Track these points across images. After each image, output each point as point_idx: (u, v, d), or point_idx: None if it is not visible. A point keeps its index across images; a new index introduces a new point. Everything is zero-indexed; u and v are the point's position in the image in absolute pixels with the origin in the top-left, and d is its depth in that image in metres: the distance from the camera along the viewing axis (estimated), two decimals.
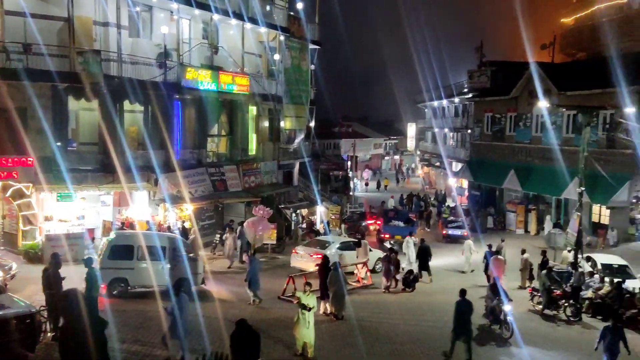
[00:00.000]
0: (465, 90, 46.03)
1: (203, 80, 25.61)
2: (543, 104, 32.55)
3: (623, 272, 20.51)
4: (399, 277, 20.99)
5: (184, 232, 22.63)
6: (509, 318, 15.25)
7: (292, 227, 29.02)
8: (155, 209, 23.80)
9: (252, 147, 31.14)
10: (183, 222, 24.07)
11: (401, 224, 30.40)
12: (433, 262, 23.30)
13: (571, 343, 15.73)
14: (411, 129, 70.80)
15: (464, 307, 13.74)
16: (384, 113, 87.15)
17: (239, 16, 27.82)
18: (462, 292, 14.08)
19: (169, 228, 22.65)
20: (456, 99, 48.73)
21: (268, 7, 30.57)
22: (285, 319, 14.95)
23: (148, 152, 23.17)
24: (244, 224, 24.22)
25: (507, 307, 15.46)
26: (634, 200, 28.83)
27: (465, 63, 51.79)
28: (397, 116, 79.78)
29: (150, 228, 21.76)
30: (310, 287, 13.91)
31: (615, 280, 18.67)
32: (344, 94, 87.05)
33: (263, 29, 29.92)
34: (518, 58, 45.42)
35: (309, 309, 12.86)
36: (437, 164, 53.81)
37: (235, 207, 28.18)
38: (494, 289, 16.20)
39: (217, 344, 12.34)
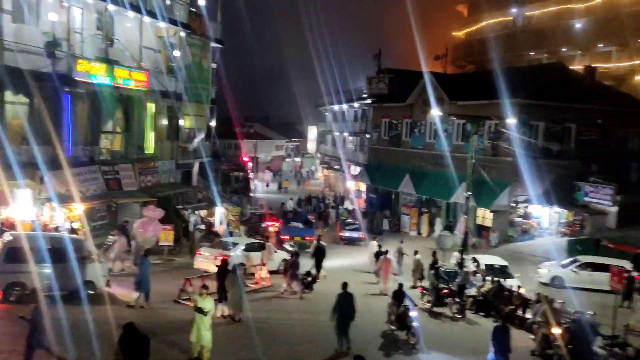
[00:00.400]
0: (365, 95, 47.57)
1: (97, 74, 24.33)
2: (436, 112, 34.52)
3: (503, 271, 22.30)
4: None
5: (73, 234, 21.40)
6: (415, 324, 15.56)
7: (190, 229, 28.40)
8: (40, 209, 22.31)
9: (150, 145, 30.08)
10: (72, 222, 22.75)
11: (300, 225, 30.81)
12: (332, 263, 23.94)
13: (455, 339, 16.84)
14: (312, 132, 71.87)
15: (344, 299, 14.41)
16: (286, 115, 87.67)
17: (136, 9, 26.76)
18: (344, 285, 14.79)
19: (56, 229, 21.33)
20: (356, 104, 50.22)
21: (168, 2, 29.68)
22: (181, 322, 14.68)
23: (33, 147, 21.63)
24: (134, 225, 23.45)
25: (413, 313, 15.88)
26: (514, 205, 31.36)
27: (365, 69, 53.50)
28: (299, 118, 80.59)
29: (35, 229, 20.36)
30: (207, 289, 13.77)
31: (496, 279, 20.27)
32: (247, 95, 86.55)
33: (163, 24, 28.99)
34: (414, 67, 47.72)
35: (205, 313, 12.73)
36: (337, 167, 55.08)
37: (130, 207, 27.10)
38: (398, 296, 16.53)
39: (107, 349, 11.87)
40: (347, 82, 55.35)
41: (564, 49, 51.80)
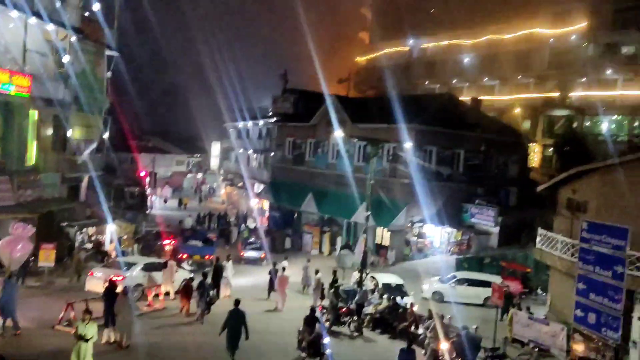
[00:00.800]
0: (270, 114, 47.26)
1: None
2: (338, 133, 34.88)
3: (399, 289, 22.68)
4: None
5: None
6: (328, 351, 15.24)
7: (75, 248, 25.89)
8: None
9: (32, 157, 27.04)
10: None
11: (199, 243, 29.48)
12: (233, 282, 23.01)
13: (353, 357, 16.65)
14: (215, 148, 70.23)
15: (234, 316, 14.24)
16: (188, 130, 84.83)
17: (20, 8, 24.16)
18: (236, 302, 14.60)
19: None
20: (261, 122, 49.76)
21: (58, 4, 27.18)
22: (61, 350, 13.22)
23: None
24: None
25: (326, 340, 15.56)
26: (410, 224, 32.25)
27: (271, 88, 53.31)
28: (202, 134, 78.40)
29: None
30: (91, 315, 12.51)
31: (392, 297, 20.47)
32: (147, 107, 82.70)
33: (51, 27, 26.42)
34: (319, 89, 48.26)
35: (87, 340, 11.49)
36: (240, 184, 54.08)
37: (5, 224, 23.99)
38: (310, 321, 16.10)
39: None
40: (253, 100, 54.93)
41: (454, 81, 54.90)
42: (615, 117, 42.14)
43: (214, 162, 70.66)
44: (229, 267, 23.39)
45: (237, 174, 55.95)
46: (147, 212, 42.61)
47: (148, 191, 46.74)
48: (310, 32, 56.62)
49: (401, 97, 34.31)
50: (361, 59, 73.21)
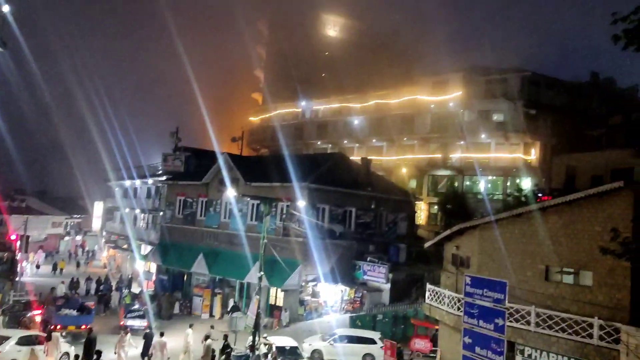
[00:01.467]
0: (160, 172, 45.97)
1: None
2: (231, 192, 34.70)
3: (294, 353, 22.36)
4: None
5: None
6: None
7: None
8: None
9: None
10: None
11: (74, 312, 26.96)
12: (109, 357, 21.20)
13: None
14: (98, 208, 66.45)
15: None
16: (69, 188, 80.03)
17: None
18: None
19: None
20: (150, 180, 48.15)
21: None
22: None
23: None
24: None
25: None
26: (303, 284, 32.26)
27: (161, 146, 52.22)
28: (82, 193, 74.06)
29: None
30: None
31: None
32: (22, 166, 77.06)
33: None
34: (211, 147, 47.99)
35: None
36: (125, 246, 51.25)
37: None
38: None
39: None
40: (142, 158, 53.27)
41: (345, 141, 57.27)
42: (490, 177, 46.11)
43: (96, 223, 66.61)
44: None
45: (122, 235, 53.07)
46: (16, 279, 38.77)
47: (18, 256, 42.63)
48: (203, 91, 57.03)
49: (294, 156, 35.15)
50: (254, 119, 74.31)
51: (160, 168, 46.29)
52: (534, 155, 44.20)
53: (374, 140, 54.95)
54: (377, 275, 32.10)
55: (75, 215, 74.48)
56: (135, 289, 40.06)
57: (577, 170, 36.93)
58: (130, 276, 44.73)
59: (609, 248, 10.48)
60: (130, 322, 28.10)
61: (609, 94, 50.45)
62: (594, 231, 18.79)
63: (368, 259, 33.24)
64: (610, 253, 10.39)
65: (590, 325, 17.51)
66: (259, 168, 38.10)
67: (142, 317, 29.00)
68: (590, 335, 17.43)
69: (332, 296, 32.89)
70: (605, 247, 10.55)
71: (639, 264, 9.94)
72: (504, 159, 44.97)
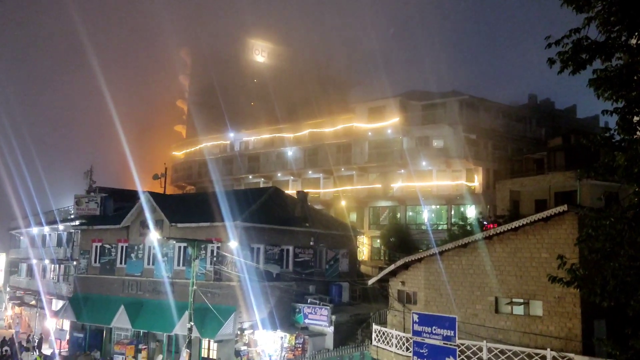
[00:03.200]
0: (72, 217, 44.08)
1: None
2: (154, 235, 33.67)
3: None
4: None
5: None
6: None
7: None
8: None
9: None
10: None
11: None
12: None
13: None
14: (0, 261, 62.71)
15: None
16: None
17: None
18: None
19: None
20: (60, 227, 46.01)
21: None
22: None
23: None
24: None
25: None
26: (239, 332, 31.43)
27: (74, 187, 50.25)
28: None
29: None
30: None
31: None
32: None
33: None
34: (131, 186, 46.63)
35: None
36: (33, 302, 48.36)
37: None
38: None
39: None
40: (51, 201, 51.03)
41: (278, 174, 57.28)
42: (434, 206, 47.23)
43: None
44: None
45: (29, 290, 50.15)
46: None
47: None
48: (122, 126, 55.54)
49: (224, 193, 34.67)
50: (178, 153, 73.22)
51: (72, 212, 44.38)
52: (477, 181, 45.79)
53: (310, 172, 55.29)
54: (319, 319, 31.76)
55: None
56: (46, 350, 37.70)
57: (521, 195, 38.57)
58: (40, 336, 42.10)
59: (557, 276, 10.80)
60: None
61: (548, 116, 53.46)
62: (541, 258, 19.48)
63: (309, 300, 32.91)
64: (559, 281, 10.70)
65: (544, 358, 17.96)
66: (185, 207, 37.31)
67: None
68: None
69: (271, 344, 32.17)
70: (553, 275, 10.86)
71: (588, 291, 10.26)
72: (446, 187, 46.28)
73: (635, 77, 9.38)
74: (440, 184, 46.83)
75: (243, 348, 31.82)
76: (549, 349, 17.99)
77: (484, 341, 19.40)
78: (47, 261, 48.75)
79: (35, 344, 40.02)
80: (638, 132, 9.57)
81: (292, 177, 56.89)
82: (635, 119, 9.63)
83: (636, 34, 9.39)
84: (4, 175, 55.76)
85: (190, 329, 22.72)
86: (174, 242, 32.66)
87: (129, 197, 41.41)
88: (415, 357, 17.37)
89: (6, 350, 36.20)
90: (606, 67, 9.56)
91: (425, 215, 46.95)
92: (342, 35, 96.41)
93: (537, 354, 18.20)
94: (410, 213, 48.50)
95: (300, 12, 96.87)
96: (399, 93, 52.18)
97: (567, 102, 63.75)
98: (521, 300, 19.93)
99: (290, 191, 48.65)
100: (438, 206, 47.23)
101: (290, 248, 34.92)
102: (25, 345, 39.93)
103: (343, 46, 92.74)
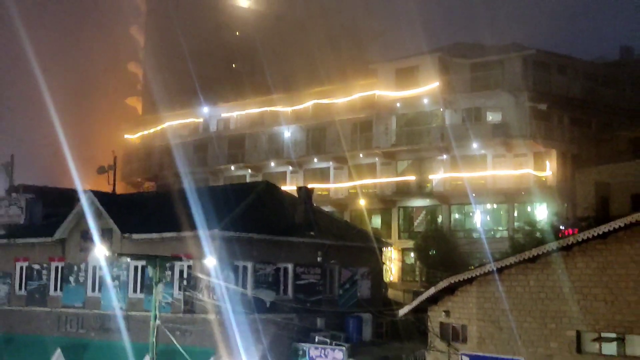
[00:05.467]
0: None
1: None
2: (101, 250, 33.76)
3: None
4: None
5: None
6: None
7: None
8: None
9: None
10: None
11: None
12: None
13: None
14: None
15: None
16: None
17: None
18: None
19: None
20: None
21: None
22: None
23: None
24: None
25: None
26: None
27: None
28: None
29: None
30: None
31: None
32: None
33: None
34: (67, 184, 46.75)
35: None
36: None
37: None
38: None
39: None
40: None
41: (272, 164, 57.27)
42: (489, 206, 47.14)
43: None
44: None
45: None
46: None
47: None
48: (50, 102, 55.40)
49: (196, 191, 34.69)
50: (132, 137, 73.31)
51: None
52: (549, 170, 45.60)
53: (315, 161, 55.35)
54: None
55: None
56: None
57: (612, 188, 38.38)
58: None
59: None
60: None
61: None
62: None
63: (316, 339, 32.99)
64: None
65: None
66: (142, 212, 37.40)
67: None
68: None
69: None
70: None
71: None
72: (507, 178, 46.13)
73: None
74: (498, 174, 46.69)
75: None
76: None
77: None
78: None
79: None
80: None
81: (290, 168, 56.95)
82: None
83: None
84: None
85: None
86: (128, 260, 32.74)
87: (64, 199, 41.44)
88: None
89: None
90: None
91: (478, 218, 46.88)
92: None
93: None
94: (457, 215, 48.49)
95: None
96: (438, 47, 51.96)
97: None
98: (614, 335, 19.88)
99: (289, 187, 48.69)
100: (495, 205, 47.19)
101: (290, 266, 34.95)
102: None
103: None
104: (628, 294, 19.72)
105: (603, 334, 20.15)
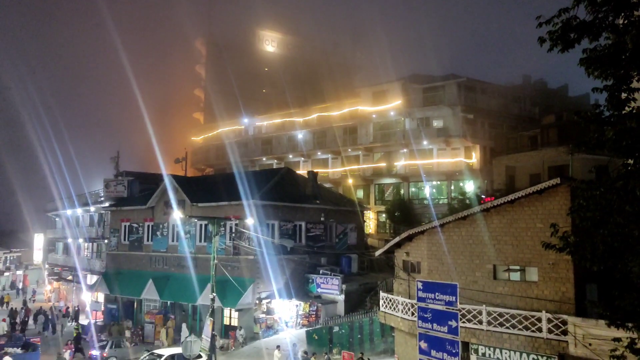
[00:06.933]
0: (102, 199, 44.44)
1: None
2: (177, 214, 33.89)
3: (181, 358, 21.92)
4: None
5: None
6: None
7: None
8: None
9: None
10: None
11: (19, 350, 25.61)
12: None
13: None
14: (39, 240, 63.46)
15: None
16: (4, 222, 75.99)
17: None
18: None
19: None
20: (92, 208, 46.43)
21: None
22: None
23: None
24: None
25: None
26: (257, 301, 31.74)
27: (102, 172, 50.62)
28: (22, 226, 70.60)
29: None
30: None
31: None
32: None
33: None
34: (154, 169, 46.85)
35: None
36: (70, 277, 49.09)
37: None
38: None
39: None
40: (84, 185, 51.42)
41: (290, 156, 57.18)
42: (435, 182, 47.10)
43: (38, 255, 63.56)
44: None
45: (66, 266, 50.84)
46: None
47: None
48: (143, 113, 55.60)
49: (240, 174, 34.73)
50: (197, 138, 73.21)
51: (102, 195, 44.73)
52: (475, 158, 45.46)
53: (319, 153, 55.15)
54: (330, 288, 32.00)
55: (14, 249, 70.72)
56: (83, 320, 38.33)
57: (517, 170, 38.27)
58: (76, 308, 42.81)
59: (551, 243, 10.76)
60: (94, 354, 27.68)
61: (541, 95, 52.76)
62: (536, 228, 19.41)
63: (321, 271, 33.12)
64: (552, 248, 10.66)
65: (539, 320, 17.99)
66: (204, 188, 37.45)
67: (104, 347, 28.81)
68: (540, 329, 17.91)
69: (287, 312, 32.52)
70: (547, 243, 10.82)
71: (580, 257, 10.23)
72: (446, 164, 46.02)
73: (622, 56, 9.21)
74: (440, 161, 46.55)
75: (261, 316, 32.17)
76: (544, 312, 18.02)
77: (483, 305, 19.46)
78: (81, 240, 49.33)
79: (72, 316, 40.72)
80: (626, 108, 9.43)
81: (302, 158, 56.77)
82: (623, 95, 9.49)
83: (622, 14, 9.19)
84: (41, 161, 56.15)
85: (212, 300, 22.96)
86: (196, 220, 32.89)
87: (153, 180, 41.62)
88: (420, 321, 17.44)
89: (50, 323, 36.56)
90: (595, 46, 9.40)
91: (427, 190, 46.82)
92: (347, 24, 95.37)
93: (532, 317, 18.24)
94: (413, 189, 48.38)
95: (307, 2, 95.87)
96: (401, 77, 51.64)
97: (560, 82, 62.98)
98: (518, 267, 19.92)
99: (301, 171, 48.57)
100: (439, 182, 47.06)
101: (303, 223, 35.03)
102: (63, 315, 40.63)
103: (348, 34, 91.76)
104: (527, 240, 19.73)
105: (511, 267, 20.19)
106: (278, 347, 25.55)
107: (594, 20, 9.30)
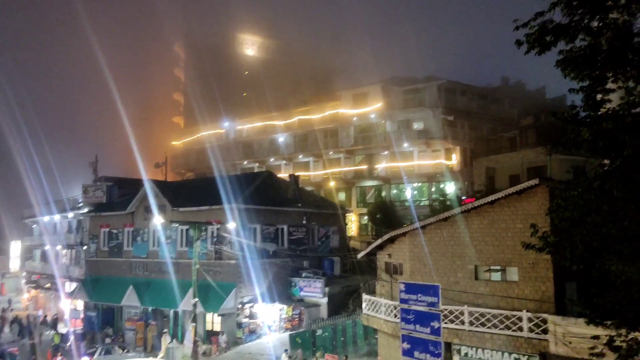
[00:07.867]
0: (80, 205, 43.81)
1: None
2: (158, 219, 33.55)
3: None
4: None
5: None
6: None
7: None
8: None
9: None
10: None
11: None
12: None
13: None
14: (15, 248, 62.31)
15: None
16: None
17: None
18: None
19: None
20: (70, 214, 45.73)
21: None
22: None
23: None
24: None
25: None
26: (240, 306, 31.53)
27: (81, 177, 49.86)
28: None
29: None
30: None
31: None
32: None
33: None
34: (134, 175, 46.29)
35: None
36: (48, 285, 48.22)
37: None
38: None
39: None
40: (60, 191, 50.62)
41: (271, 159, 57.07)
42: (416, 184, 47.35)
43: (15, 263, 62.38)
44: None
45: (44, 274, 49.95)
46: None
47: None
48: (122, 118, 54.94)
49: (221, 178, 34.52)
50: (177, 143, 72.67)
51: (80, 201, 44.08)
52: (455, 160, 45.84)
53: (300, 156, 55.11)
54: (313, 291, 31.95)
55: None
56: (61, 328, 37.68)
57: (496, 171, 38.67)
58: (55, 316, 42.06)
59: (531, 243, 10.88)
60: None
61: (520, 97, 53.43)
62: (516, 228, 19.61)
63: (303, 274, 33.05)
64: (532, 248, 10.79)
65: (520, 319, 18.17)
66: (185, 192, 37.17)
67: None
68: (521, 329, 18.08)
69: (270, 316, 32.38)
70: (527, 243, 10.94)
71: (559, 256, 10.37)
72: (427, 166, 46.33)
73: (597, 57, 9.36)
74: (421, 163, 46.84)
75: (244, 320, 31.98)
76: (524, 311, 18.20)
77: (465, 306, 19.59)
78: (59, 247, 48.54)
79: (51, 324, 39.99)
80: (602, 109, 9.59)
81: (284, 162, 56.68)
82: (599, 96, 9.64)
83: (597, 16, 9.35)
84: (18, 167, 55.17)
85: (194, 305, 22.77)
86: (177, 225, 32.61)
87: (133, 185, 41.11)
88: (402, 323, 17.51)
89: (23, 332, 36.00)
90: (571, 48, 9.54)
91: (408, 192, 47.04)
92: (328, 26, 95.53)
93: (514, 316, 18.42)
94: (395, 191, 48.59)
95: (287, 5, 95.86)
96: (382, 79, 51.88)
97: (537, 84, 63.85)
98: (498, 268, 20.09)
99: (283, 174, 48.52)
100: (420, 184, 47.33)
101: (285, 227, 34.94)
102: (40, 323, 39.88)
103: (329, 36, 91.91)
104: (507, 240, 19.92)
105: (492, 267, 20.36)
106: (286, 351, 25.32)
107: (570, 23, 9.44)
